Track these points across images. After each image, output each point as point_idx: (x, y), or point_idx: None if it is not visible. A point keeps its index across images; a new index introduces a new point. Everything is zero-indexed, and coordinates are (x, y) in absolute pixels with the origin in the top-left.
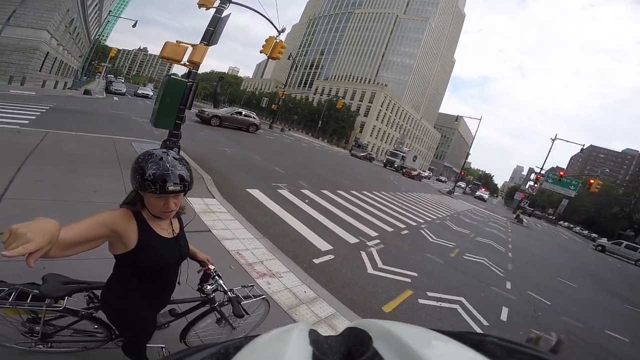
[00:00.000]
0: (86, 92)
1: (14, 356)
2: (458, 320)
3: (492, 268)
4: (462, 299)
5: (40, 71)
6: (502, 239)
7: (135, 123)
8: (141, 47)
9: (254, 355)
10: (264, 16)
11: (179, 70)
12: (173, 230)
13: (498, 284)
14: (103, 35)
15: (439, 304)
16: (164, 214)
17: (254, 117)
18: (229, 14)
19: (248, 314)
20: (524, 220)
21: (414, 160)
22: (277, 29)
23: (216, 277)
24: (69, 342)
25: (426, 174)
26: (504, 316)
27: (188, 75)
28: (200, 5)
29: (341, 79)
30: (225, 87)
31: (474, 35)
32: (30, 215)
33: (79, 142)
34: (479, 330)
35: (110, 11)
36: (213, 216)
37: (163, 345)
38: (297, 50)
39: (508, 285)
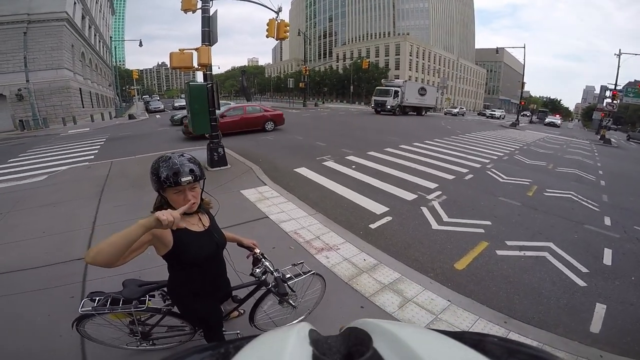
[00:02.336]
0: (131, 116)
1: (127, 356)
2: (548, 270)
3: (583, 202)
4: (550, 244)
5: (83, 107)
6: (589, 166)
7: (181, 134)
8: (159, 63)
9: (254, 355)
10: (254, 1)
11: (201, 75)
12: (203, 224)
13: (594, 221)
14: (120, 61)
15: (522, 253)
16: (188, 207)
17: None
18: (216, 10)
19: (294, 292)
20: (612, 139)
21: (422, 94)
22: (273, 10)
23: (262, 259)
24: (167, 338)
25: (457, 110)
26: (607, 260)
27: (204, 77)
28: (185, 10)
29: (359, 40)
30: (251, 79)
31: None
32: None
33: (140, 164)
34: (577, 280)
35: (111, 37)
36: (268, 202)
37: (238, 332)
38: (305, 24)
39: (607, 221)
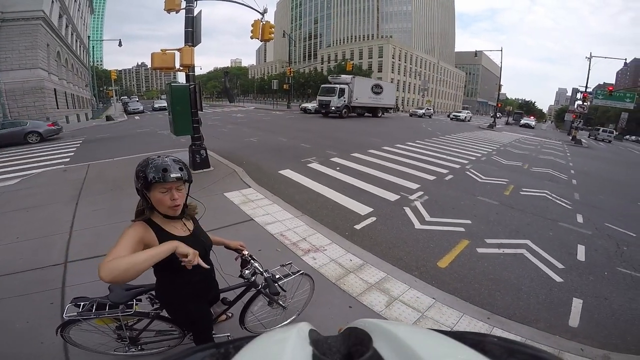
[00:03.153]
0: (108, 118)
1: None
2: (526, 267)
3: (557, 201)
4: (527, 241)
5: (58, 108)
6: (562, 165)
7: (161, 136)
8: (139, 63)
9: (254, 355)
10: (238, 2)
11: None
12: (188, 229)
13: (567, 219)
14: (97, 61)
15: (501, 250)
16: (172, 209)
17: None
18: (200, 10)
19: (284, 291)
20: (582, 140)
21: (376, 92)
22: (258, 11)
23: (251, 261)
24: (155, 343)
25: (422, 111)
26: (580, 256)
27: (187, 78)
28: (168, 10)
29: (344, 42)
30: (234, 80)
31: None
32: (99, 240)
33: (117, 167)
34: (554, 276)
35: (89, 37)
36: (252, 204)
37: (229, 334)
38: (290, 26)
39: (579, 218)
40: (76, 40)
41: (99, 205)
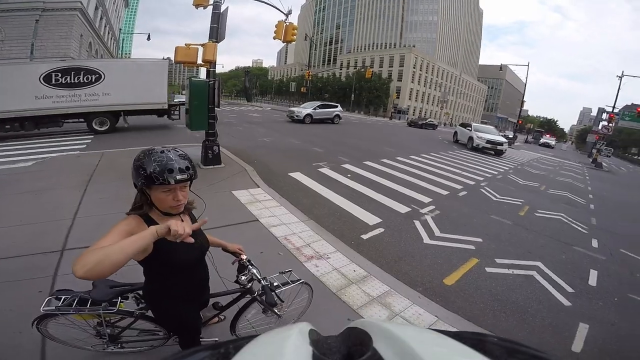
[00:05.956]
0: None
1: (91, 358)
2: (535, 289)
3: (572, 224)
4: (538, 263)
5: None
6: (580, 189)
7: (179, 130)
8: (164, 58)
9: (253, 355)
10: (265, 2)
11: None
12: None
13: (582, 243)
14: (126, 53)
15: (510, 271)
16: (174, 208)
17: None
18: (227, 7)
19: (282, 301)
20: (604, 164)
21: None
22: (283, 12)
23: (249, 266)
24: (137, 342)
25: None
26: (592, 280)
27: (207, 74)
28: (196, 6)
29: (365, 49)
30: (253, 80)
31: None
32: (102, 229)
33: (130, 157)
34: (562, 300)
35: (120, 29)
36: (259, 205)
37: (217, 339)
38: (312, 29)
39: (594, 243)
40: (108, 32)
41: (107, 193)
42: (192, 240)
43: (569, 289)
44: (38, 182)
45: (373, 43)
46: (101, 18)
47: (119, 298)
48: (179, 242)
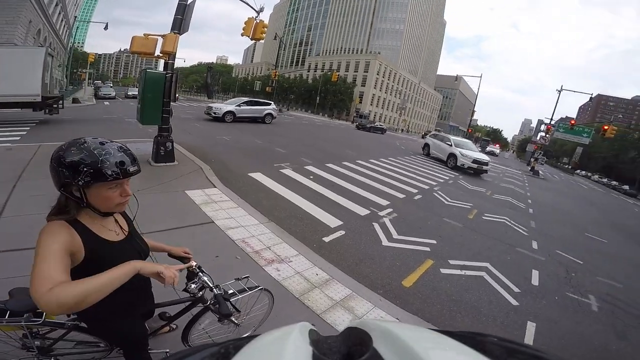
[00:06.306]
0: (75, 100)
1: None
2: (485, 289)
3: (515, 227)
4: (487, 264)
5: None
6: (521, 195)
7: (128, 124)
8: (122, 49)
9: (253, 355)
10: None
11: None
12: (122, 228)
13: (524, 245)
14: (78, 42)
15: (463, 272)
16: (120, 205)
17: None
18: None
19: (238, 311)
20: (540, 172)
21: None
22: (254, 10)
23: (199, 273)
24: (74, 355)
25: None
26: (535, 280)
27: (165, 66)
28: None
29: (333, 53)
30: (216, 76)
31: None
32: (29, 231)
33: None
34: (511, 300)
35: (76, 17)
36: (215, 206)
37: (167, 350)
38: (283, 30)
39: (534, 245)
40: (62, 20)
41: (40, 191)
42: (117, 235)
43: (516, 289)
44: None
45: (342, 47)
46: (56, 4)
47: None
48: (112, 249)
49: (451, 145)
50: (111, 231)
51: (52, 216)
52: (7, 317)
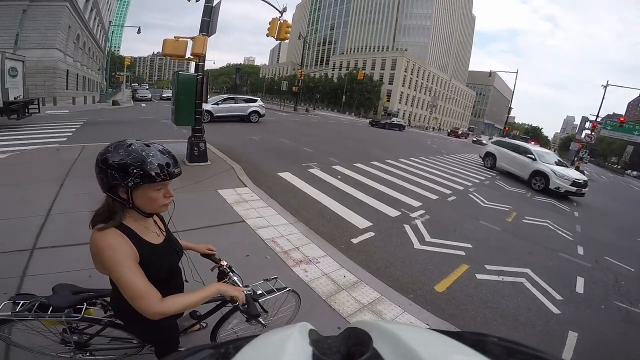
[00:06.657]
0: (114, 102)
1: None
2: (525, 296)
3: (558, 231)
4: (527, 270)
5: (67, 89)
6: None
7: (164, 125)
8: (154, 52)
9: (254, 355)
10: None
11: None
12: (160, 229)
13: (568, 250)
14: (115, 46)
15: (500, 278)
16: (164, 206)
17: None
18: (220, 1)
19: (266, 312)
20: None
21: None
22: (277, 10)
23: (230, 273)
24: (108, 350)
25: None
26: (579, 288)
27: (196, 68)
28: None
29: (357, 51)
30: (244, 77)
31: None
32: (76, 227)
33: None
34: (552, 307)
35: (110, 22)
36: (246, 205)
37: None
38: (307, 29)
39: (580, 250)
40: (98, 25)
41: (84, 189)
42: (158, 237)
43: (558, 297)
44: (12, 176)
45: (366, 45)
46: (91, 10)
47: (85, 304)
48: (156, 251)
49: (535, 160)
50: (153, 232)
51: (100, 223)
52: (49, 312)
